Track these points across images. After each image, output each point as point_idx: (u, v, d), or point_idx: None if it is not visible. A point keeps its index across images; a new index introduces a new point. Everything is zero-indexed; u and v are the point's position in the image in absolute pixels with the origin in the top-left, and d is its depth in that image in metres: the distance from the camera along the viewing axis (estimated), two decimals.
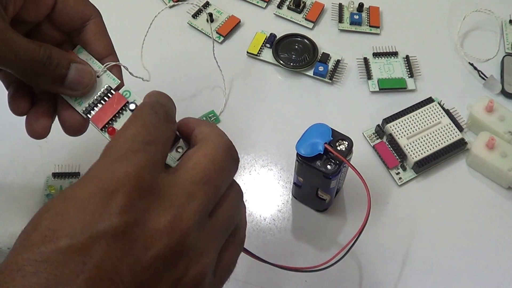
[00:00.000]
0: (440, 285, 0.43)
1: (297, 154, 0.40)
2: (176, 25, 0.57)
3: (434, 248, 0.45)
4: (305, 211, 0.47)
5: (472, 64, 0.55)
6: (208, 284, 0.26)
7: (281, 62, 0.54)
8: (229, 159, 0.28)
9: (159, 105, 0.28)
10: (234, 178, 0.29)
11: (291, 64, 0.54)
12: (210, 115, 0.51)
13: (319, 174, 0.40)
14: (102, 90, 0.33)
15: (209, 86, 0.53)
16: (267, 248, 0.45)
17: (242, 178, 0.48)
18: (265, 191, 0.48)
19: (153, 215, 0.24)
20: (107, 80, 0.34)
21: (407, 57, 0.55)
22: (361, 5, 0.58)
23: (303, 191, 0.45)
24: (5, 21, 0.30)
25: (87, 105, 0.33)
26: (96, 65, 0.34)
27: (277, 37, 0.56)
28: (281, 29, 0.57)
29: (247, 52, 0.55)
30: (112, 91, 0.33)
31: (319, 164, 0.39)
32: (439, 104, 0.51)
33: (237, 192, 0.29)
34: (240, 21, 0.57)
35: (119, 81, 0.34)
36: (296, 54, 0.55)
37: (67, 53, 0.33)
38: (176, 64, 0.55)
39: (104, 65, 0.34)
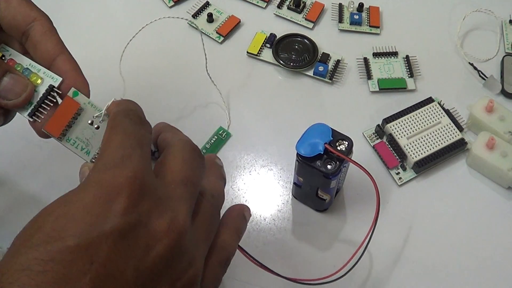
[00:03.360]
0: (440, 285, 0.43)
1: (297, 154, 0.40)
2: (176, 25, 0.57)
3: (434, 248, 0.45)
4: (305, 211, 0.47)
5: (472, 64, 0.55)
6: None
7: (281, 62, 0.54)
8: (197, 157, 0.29)
9: (131, 111, 0.30)
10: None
11: (291, 64, 0.54)
12: (219, 132, 0.50)
13: (319, 174, 0.40)
14: (44, 91, 0.32)
15: (208, 87, 0.53)
16: (267, 248, 0.45)
17: (242, 178, 0.48)
18: (265, 191, 0.48)
19: (153, 217, 0.25)
20: (48, 80, 0.33)
21: (407, 57, 0.55)
22: (361, 5, 0.58)
23: (303, 191, 0.45)
24: None
25: (32, 107, 0.33)
26: (97, 110, 0.32)
27: (277, 37, 0.56)
28: (281, 29, 0.57)
29: (247, 52, 0.55)
30: (55, 89, 0.32)
31: (319, 164, 0.39)
32: (439, 104, 0.51)
33: (213, 196, 0.30)
34: (240, 21, 0.57)
35: (61, 78, 0.33)
36: (296, 54, 0.54)
37: (5, 63, 0.33)
38: (176, 64, 0.55)
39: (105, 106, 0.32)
